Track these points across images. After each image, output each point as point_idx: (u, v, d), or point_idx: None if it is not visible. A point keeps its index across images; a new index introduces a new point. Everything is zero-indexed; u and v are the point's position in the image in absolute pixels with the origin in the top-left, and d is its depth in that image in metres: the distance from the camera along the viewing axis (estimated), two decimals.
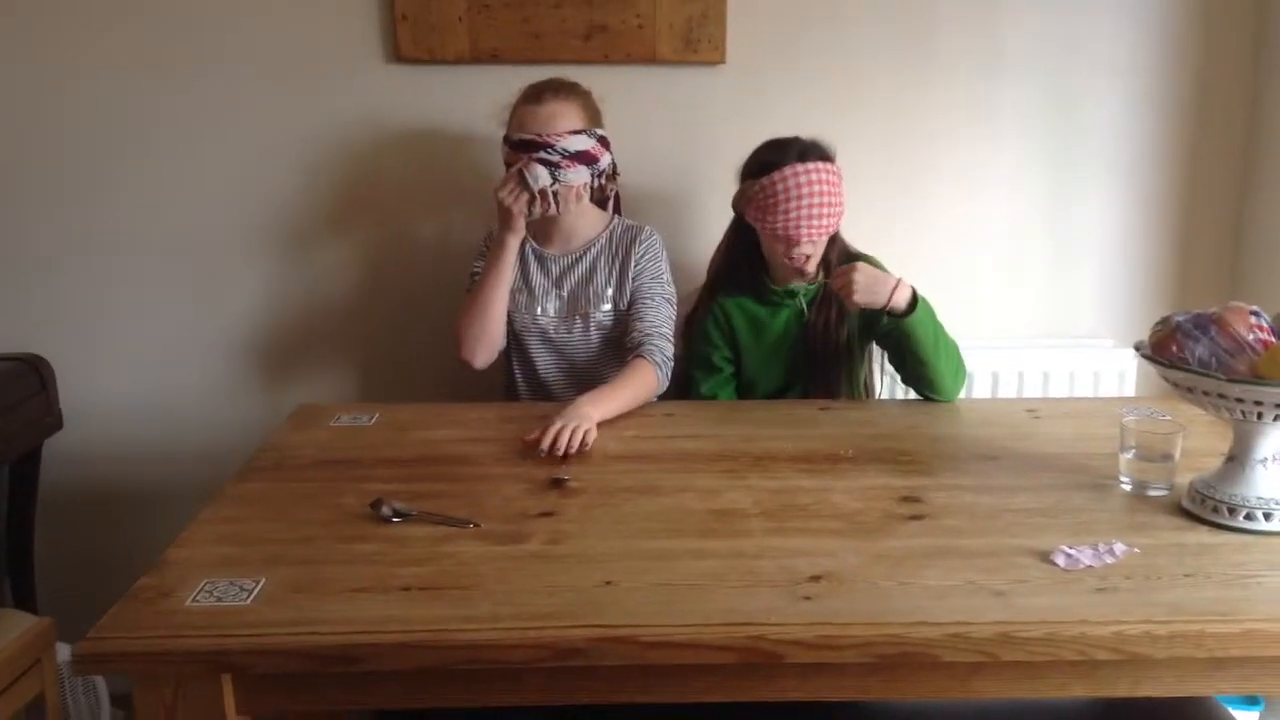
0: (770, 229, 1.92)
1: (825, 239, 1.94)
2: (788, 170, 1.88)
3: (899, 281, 1.83)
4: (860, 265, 1.82)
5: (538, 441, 1.64)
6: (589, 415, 1.71)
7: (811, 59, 2.26)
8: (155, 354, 2.34)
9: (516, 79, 1.99)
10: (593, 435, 1.68)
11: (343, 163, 2.27)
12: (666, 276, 2.04)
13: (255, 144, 2.25)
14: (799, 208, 1.87)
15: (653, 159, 2.28)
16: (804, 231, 1.88)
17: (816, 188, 1.87)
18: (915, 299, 1.85)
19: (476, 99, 2.13)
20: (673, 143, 2.29)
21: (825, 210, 1.88)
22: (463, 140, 2.23)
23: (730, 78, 2.26)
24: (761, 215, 1.92)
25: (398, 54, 2.19)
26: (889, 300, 1.83)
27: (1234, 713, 1.61)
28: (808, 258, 1.94)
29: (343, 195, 2.29)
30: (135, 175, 2.25)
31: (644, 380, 1.88)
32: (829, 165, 1.90)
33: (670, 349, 1.96)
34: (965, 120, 2.31)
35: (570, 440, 1.64)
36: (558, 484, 1.52)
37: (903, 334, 1.87)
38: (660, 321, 1.98)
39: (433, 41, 2.18)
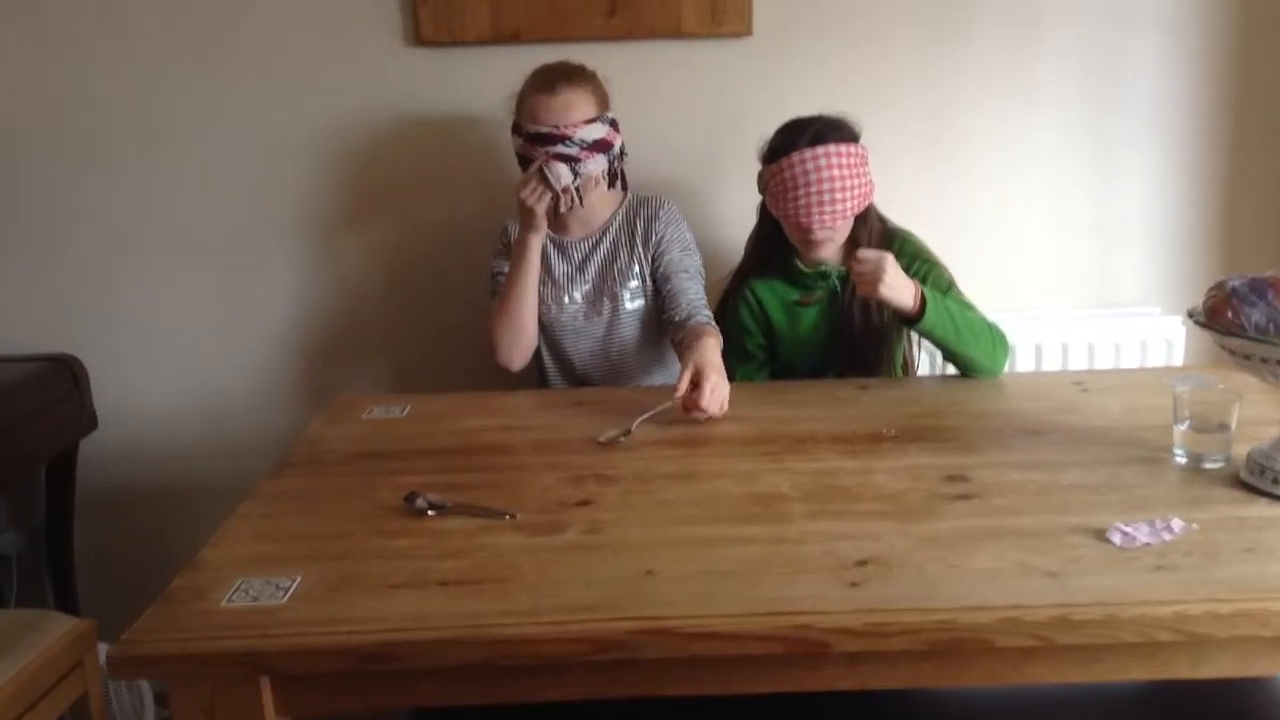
0: (784, 215, 1.89)
1: (844, 224, 1.90)
2: (795, 157, 1.84)
3: (915, 286, 1.77)
4: (892, 259, 1.75)
5: (688, 398, 1.64)
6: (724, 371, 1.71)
7: (841, 27, 2.20)
8: (186, 351, 2.34)
9: (539, 59, 1.95)
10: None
11: (366, 150, 2.25)
12: (693, 245, 2.03)
13: (278, 134, 2.23)
14: (808, 195, 1.83)
15: (678, 135, 2.24)
16: (815, 218, 1.84)
17: (828, 173, 1.82)
18: (924, 306, 1.77)
19: (499, 81, 2.10)
20: (699, 118, 2.24)
21: (841, 195, 1.83)
22: (487, 123, 2.20)
23: (757, 50, 2.21)
24: (776, 201, 1.89)
25: (418, 37, 2.16)
26: (905, 302, 1.77)
27: None
28: (824, 243, 1.90)
29: (367, 183, 2.27)
30: (159, 170, 2.24)
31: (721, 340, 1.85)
32: (845, 147, 1.85)
33: (711, 317, 1.93)
34: (1003, 88, 2.25)
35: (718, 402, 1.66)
36: (611, 443, 1.57)
37: (920, 332, 1.83)
38: (700, 295, 1.97)
39: (454, 22, 2.15)
